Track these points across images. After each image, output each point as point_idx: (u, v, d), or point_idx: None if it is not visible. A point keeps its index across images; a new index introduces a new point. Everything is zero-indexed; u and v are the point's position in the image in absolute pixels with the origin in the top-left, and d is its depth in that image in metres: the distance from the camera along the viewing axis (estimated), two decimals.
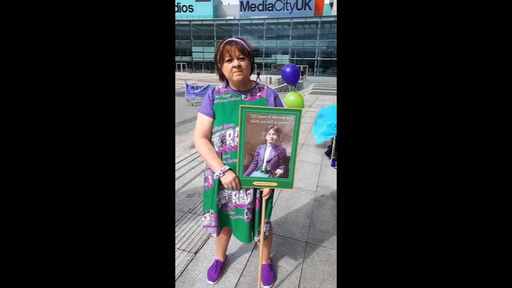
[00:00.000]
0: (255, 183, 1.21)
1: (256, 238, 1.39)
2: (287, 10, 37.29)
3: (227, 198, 1.33)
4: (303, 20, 34.47)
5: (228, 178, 1.18)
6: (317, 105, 8.92)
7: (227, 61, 1.13)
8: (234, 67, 1.12)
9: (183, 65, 41.41)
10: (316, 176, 3.16)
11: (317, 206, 2.47)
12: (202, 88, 8.80)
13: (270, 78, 21.16)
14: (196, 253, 1.81)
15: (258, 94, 1.25)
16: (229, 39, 1.14)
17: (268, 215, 1.37)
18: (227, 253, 1.75)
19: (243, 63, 1.12)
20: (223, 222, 1.39)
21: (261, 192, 1.29)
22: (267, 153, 1.16)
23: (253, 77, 1.19)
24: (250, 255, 1.81)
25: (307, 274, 1.67)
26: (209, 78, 22.39)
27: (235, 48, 1.10)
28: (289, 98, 3.37)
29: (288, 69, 3.43)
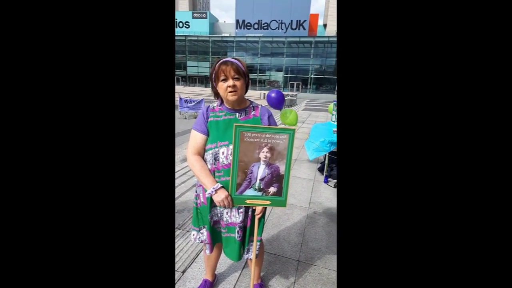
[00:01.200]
0: (248, 201, 1.19)
1: (245, 256, 1.35)
2: (282, 29, 38.56)
3: (219, 215, 1.30)
4: (297, 39, 35.64)
5: (220, 197, 1.16)
6: (310, 121, 9.04)
7: (222, 80, 1.14)
8: (229, 86, 1.13)
9: (177, 79, 41.77)
10: (308, 192, 3.14)
11: (309, 223, 2.43)
12: (195, 102, 8.82)
13: (264, 93, 21.51)
14: (183, 272, 1.73)
15: (253, 113, 1.26)
16: (225, 59, 1.15)
17: (260, 232, 1.33)
18: (216, 272, 1.68)
19: (238, 83, 1.14)
20: (215, 239, 1.35)
21: (253, 210, 1.26)
22: (261, 171, 1.15)
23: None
24: (240, 274, 1.75)
25: None
26: (203, 92, 22.59)
27: (230, 68, 1.12)
28: (285, 115, 3.43)
29: (273, 95, 3.57)
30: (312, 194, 3.08)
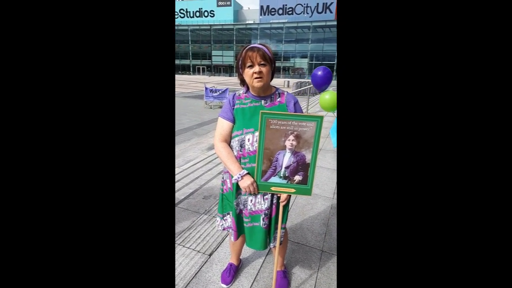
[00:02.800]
0: (273, 188, 1.20)
1: (271, 245, 1.38)
2: (307, 13, 37.15)
3: (243, 203, 1.33)
4: (323, 23, 34.16)
5: (246, 183, 1.19)
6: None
7: (249, 66, 1.14)
8: (255, 72, 1.13)
9: (203, 69, 42.32)
10: (333, 182, 3.09)
11: (333, 214, 2.41)
12: (220, 91, 8.92)
13: (288, 81, 21.10)
14: (210, 255, 1.82)
15: (278, 99, 1.25)
16: (251, 45, 1.15)
17: (285, 220, 1.35)
18: (241, 257, 1.75)
19: (264, 69, 1.13)
20: (240, 227, 1.39)
21: (278, 198, 1.28)
22: (286, 159, 1.15)
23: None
24: (264, 260, 1.80)
25: (322, 284, 1.62)
26: (228, 82, 22.69)
27: (256, 54, 1.11)
28: (325, 97, 3.15)
29: (319, 72, 2.95)
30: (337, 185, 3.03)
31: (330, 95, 3.02)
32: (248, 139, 1.21)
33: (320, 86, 3.06)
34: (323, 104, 3.11)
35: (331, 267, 1.76)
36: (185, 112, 8.30)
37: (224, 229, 1.42)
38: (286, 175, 1.17)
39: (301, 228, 2.19)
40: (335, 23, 33.66)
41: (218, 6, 42.82)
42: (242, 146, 1.23)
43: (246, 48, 1.14)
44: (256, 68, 1.13)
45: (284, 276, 1.61)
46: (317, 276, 1.68)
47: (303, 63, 37.62)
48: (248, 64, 1.13)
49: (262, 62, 1.13)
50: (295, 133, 1.11)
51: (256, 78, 1.14)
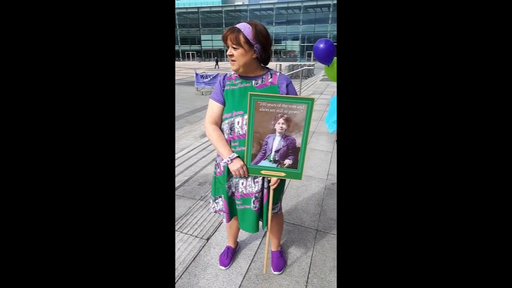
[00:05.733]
0: (262, 172, 1.21)
1: (266, 229, 1.41)
2: None
3: (234, 187, 1.34)
4: (314, 3, 33.30)
5: (235, 166, 1.20)
6: (328, 92, 8.74)
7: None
8: (228, 55, 1.14)
9: (192, 54, 41.22)
10: (327, 164, 3.13)
11: (327, 195, 2.46)
12: (211, 77, 8.76)
13: (280, 65, 20.79)
14: (208, 239, 1.86)
15: (270, 80, 1.22)
16: (232, 26, 1.12)
17: (277, 199, 1.38)
18: (238, 240, 1.79)
19: (235, 52, 1.11)
20: (232, 209, 1.41)
21: (269, 182, 1.29)
22: (276, 142, 1.14)
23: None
24: (261, 242, 1.84)
25: (317, 261, 1.68)
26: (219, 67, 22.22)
27: (230, 36, 1.10)
28: (332, 67, 2.97)
29: (321, 45, 2.78)
30: (331, 166, 3.07)
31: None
32: (238, 122, 1.19)
33: (325, 59, 2.89)
34: (329, 74, 2.99)
35: (326, 245, 1.82)
36: (176, 100, 8.16)
37: (215, 212, 1.44)
38: (276, 159, 1.17)
39: (296, 209, 2.23)
40: (326, 2, 32.89)
41: None
42: (231, 129, 1.22)
43: (227, 29, 1.13)
44: (229, 51, 1.13)
45: (281, 256, 1.66)
46: (313, 254, 1.74)
47: (294, 45, 36.98)
48: (228, 45, 1.13)
49: (234, 46, 1.10)
50: (285, 116, 1.09)
51: (230, 61, 1.15)
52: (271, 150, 1.16)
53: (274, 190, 1.30)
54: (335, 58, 2.94)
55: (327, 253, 1.75)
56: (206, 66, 24.80)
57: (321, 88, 9.62)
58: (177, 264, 1.64)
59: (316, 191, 2.52)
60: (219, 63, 26.28)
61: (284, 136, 1.13)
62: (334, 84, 11.15)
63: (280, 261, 1.63)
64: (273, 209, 1.35)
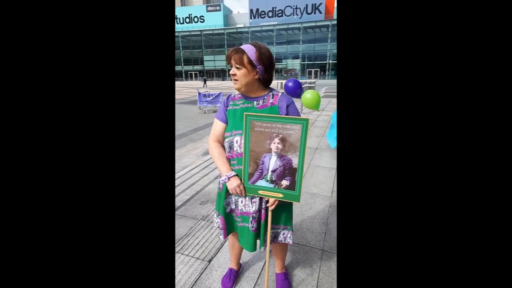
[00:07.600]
0: (260, 192, 1.19)
1: (262, 249, 1.37)
2: (297, 15, 37.47)
3: (234, 204, 1.33)
4: (313, 24, 34.46)
5: (232, 184, 1.20)
6: (330, 108, 8.81)
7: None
8: (231, 74, 1.17)
9: (195, 74, 42.33)
10: (331, 181, 3.08)
11: (332, 212, 2.40)
12: (213, 96, 8.91)
13: (282, 83, 21.26)
14: (210, 261, 1.79)
15: (271, 101, 1.22)
16: (237, 47, 1.15)
17: (282, 222, 1.34)
18: (241, 262, 1.72)
19: (238, 72, 1.13)
20: (231, 227, 1.39)
21: (267, 202, 1.25)
22: (272, 162, 1.14)
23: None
24: (264, 263, 1.77)
25: (324, 284, 1.60)
26: (220, 86, 22.68)
27: (234, 56, 1.13)
28: (306, 96, 3.31)
29: (290, 84, 3.72)
30: (334, 183, 3.02)
31: (310, 94, 3.21)
32: (237, 141, 1.20)
33: (295, 93, 3.72)
34: (306, 103, 3.27)
35: (333, 266, 1.75)
36: (179, 118, 8.26)
37: (218, 228, 1.42)
38: (273, 179, 1.16)
39: (300, 228, 2.17)
40: (325, 23, 34.03)
41: (207, 11, 43.05)
42: (231, 147, 1.23)
43: (231, 49, 1.15)
44: (232, 70, 1.15)
45: (285, 278, 1.58)
46: (319, 276, 1.66)
47: (295, 63, 37.86)
48: (232, 64, 1.15)
49: (237, 66, 1.13)
50: (280, 135, 1.09)
51: (233, 80, 1.17)
52: (268, 170, 1.15)
53: (279, 212, 1.27)
54: (304, 93, 3.66)
55: (334, 274, 1.67)
56: (209, 85, 25.35)
57: (323, 105, 9.71)
58: None
59: (321, 209, 2.46)
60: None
61: (281, 156, 1.13)
62: (335, 100, 11.26)
63: (285, 284, 1.55)
64: (277, 234, 1.31)
